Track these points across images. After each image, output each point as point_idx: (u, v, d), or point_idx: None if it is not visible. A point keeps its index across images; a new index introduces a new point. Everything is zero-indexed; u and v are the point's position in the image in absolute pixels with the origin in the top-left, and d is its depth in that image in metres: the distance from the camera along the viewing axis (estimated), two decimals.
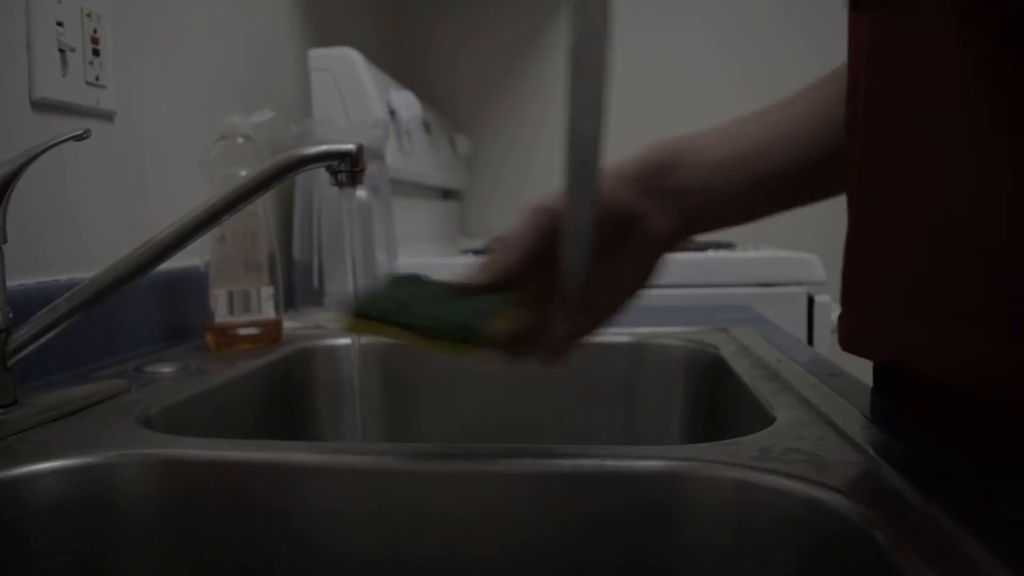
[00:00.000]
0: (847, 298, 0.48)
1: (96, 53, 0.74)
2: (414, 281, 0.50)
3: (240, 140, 0.81)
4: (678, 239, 0.52)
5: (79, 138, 0.54)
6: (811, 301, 1.21)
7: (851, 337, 0.47)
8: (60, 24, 0.69)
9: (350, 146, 0.58)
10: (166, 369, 0.70)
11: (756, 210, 0.54)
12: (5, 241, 0.53)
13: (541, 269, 0.49)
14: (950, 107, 0.39)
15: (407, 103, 1.33)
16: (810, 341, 1.19)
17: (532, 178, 2.00)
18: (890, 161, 0.43)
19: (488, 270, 0.48)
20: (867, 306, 0.46)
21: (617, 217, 0.50)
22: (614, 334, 0.85)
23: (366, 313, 0.45)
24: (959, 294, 0.39)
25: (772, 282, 1.23)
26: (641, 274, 0.52)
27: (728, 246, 1.37)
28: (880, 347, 0.46)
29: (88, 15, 0.72)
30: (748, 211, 0.54)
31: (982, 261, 0.38)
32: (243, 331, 0.81)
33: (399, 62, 2.00)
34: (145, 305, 0.81)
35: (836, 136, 0.51)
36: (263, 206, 0.82)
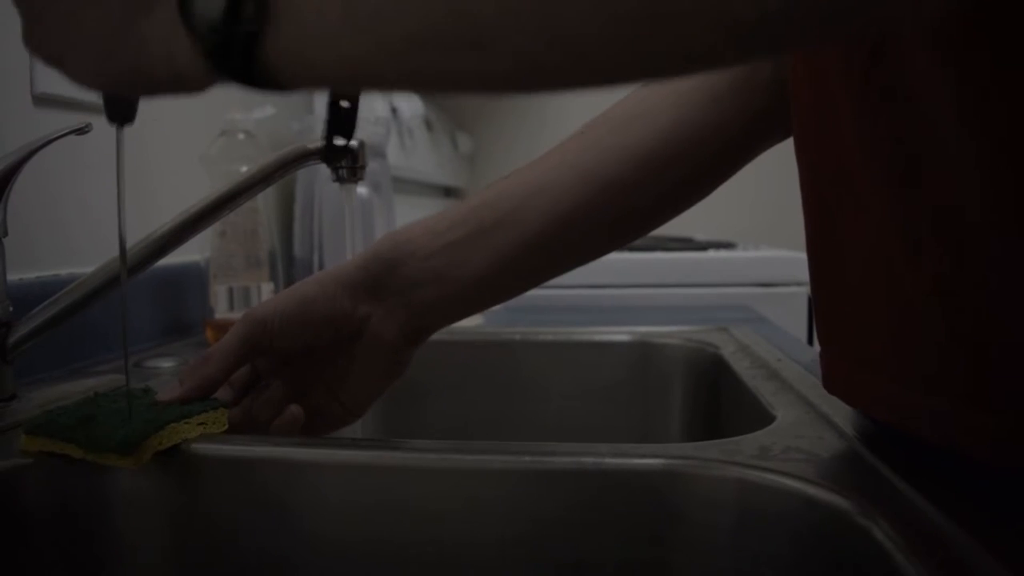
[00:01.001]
0: (823, 339, 0.46)
1: None
2: (118, 397, 0.50)
3: (241, 136, 0.81)
4: (410, 339, 0.52)
5: (80, 132, 0.54)
6: (811, 301, 1.21)
7: (831, 382, 0.46)
8: None
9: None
10: (166, 364, 0.70)
11: (507, 288, 0.53)
12: (5, 235, 0.53)
13: (265, 370, 0.52)
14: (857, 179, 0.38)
15: (409, 101, 1.33)
16: (810, 341, 1.19)
17: None
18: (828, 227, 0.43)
19: (187, 383, 0.49)
20: (842, 354, 0.45)
21: (331, 323, 0.50)
22: (614, 333, 0.85)
23: (39, 430, 0.45)
24: (918, 360, 0.38)
25: (772, 282, 1.23)
26: (383, 370, 0.53)
27: (729, 246, 1.38)
28: (857, 400, 0.45)
29: None
30: (497, 291, 0.53)
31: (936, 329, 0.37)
32: None
33: None
34: (145, 300, 0.81)
35: (592, 186, 0.50)
36: (264, 202, 0.82)
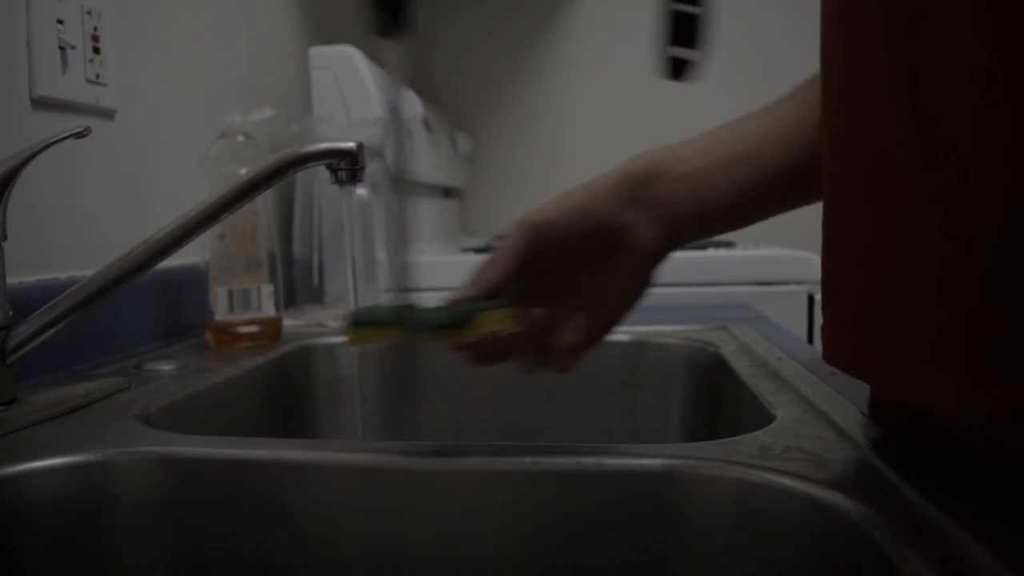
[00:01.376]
0: (828, 311, 0.47)
1: (96, 51, 0.74)
2: (415, 309, 0.51)
3: (240, 138, 0.81)
4: (666, 249, 0.53)
5: (79, 136, 0.54)
6: (811, 299, 1.21)
7: (833, 354, 0.47)
8: (60, 22, 0.69)
9: (350, 144, 0.58)
10: (166, 367, 0.70)
11: (744, 216, 0.54)
12: (5, 238, 0.53)
13: (532, 282, 0.51)
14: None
15: (407, 102, 1.32)
16: (810, 339, 1.19)
17: (533, 176, 2.00)
18: (852, 193, 0.43)
19: (477, 284, 0.49)
20: (847, 325, 0.45)
21: (600, 230, 0.51)
22: (615, 332, 0.85)
23: (365, 320, 0.47)
24: (930, 334, 0.38)
25: (772, 281, 1.23)
26: (636, 283, 0.53)
27: (728, 245, 1.37)
28: (859, 370, 0.45)
29: (88, 13, 0.72)
30: (736, 218, 0.54)
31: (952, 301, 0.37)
32: (243, 329, 0.81)
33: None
34: (145, 303, 0.81)
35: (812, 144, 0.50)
36: (263, 204, 0.82)
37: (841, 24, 0.41)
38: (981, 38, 0.32)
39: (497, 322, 0.47)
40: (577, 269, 0.52)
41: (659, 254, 0.53)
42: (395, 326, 0.45)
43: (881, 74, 0.38)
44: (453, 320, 0.45)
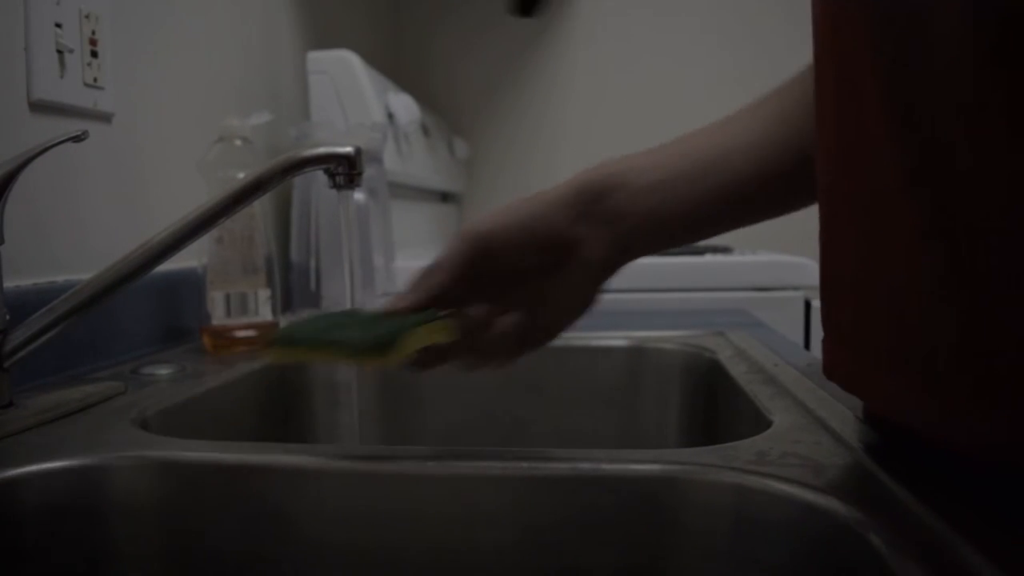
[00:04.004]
0: (826, 325, 0.47)
1: (94, 55, 0.74)
2: (346, 313, 0.51)
3: (238, 142, 0.81)
4: (617, 263, 0.53)
5: (77, 139, 0.54)
6: (808, 305, 1.21)
7: (831, 369, 0.47)
8: (59, 25, 0.69)
9: (348, 149, 0.58)
10: (163, 371, 0.70)
11: (705, 228, 0.54)
12: (2, 242, 0.53)
13: (472, 289, 0.51)
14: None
15: (405, 106, 1.33)
16: (807, 345, 1.19)
17: (530, 181, 2.00)
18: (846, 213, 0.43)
19: (414, 293, 0.49)
20: (845, 339, 0.45)
21: (548, 242, 0.51)
22: (611, 338, 0.85)
23: (289, 340, 0.46)
24: (918, 354, 0.38)
25: (769, 286, 1.23)
26: (583, 294, 0.53)
27: (725, 250, 1.38)
28: (855, 387, 0.45)
29: (87, 17, 0.72)
30: (696, 230, 0.53)
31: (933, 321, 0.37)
32: (240, 333, 0.81)
33: (397, 65, 2.00)
34: (142, 307, 0.80)
35: (788, 155, 0.50)
36: (261, 208, 0.82)
37: (834, 36, 0.41)
38: (971, 49, 0.32)
39: (433, 335, 0.47)
40: (522, 278, 0.52)
41: (609, 268, 0.52)
42: (321, 348, 0.45)
43: (876, 82, 0.38)
44: (380, 342, 0.44)
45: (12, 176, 0.53)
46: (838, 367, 0.45)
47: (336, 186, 0.59)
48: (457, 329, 0.49)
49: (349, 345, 0.44)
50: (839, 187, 0.43)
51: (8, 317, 0.54)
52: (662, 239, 0.53)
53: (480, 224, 0.51)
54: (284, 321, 0.92)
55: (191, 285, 0.84)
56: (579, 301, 0.53)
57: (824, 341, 0.47)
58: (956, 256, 0.35)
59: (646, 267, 1.19)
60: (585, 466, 0.43)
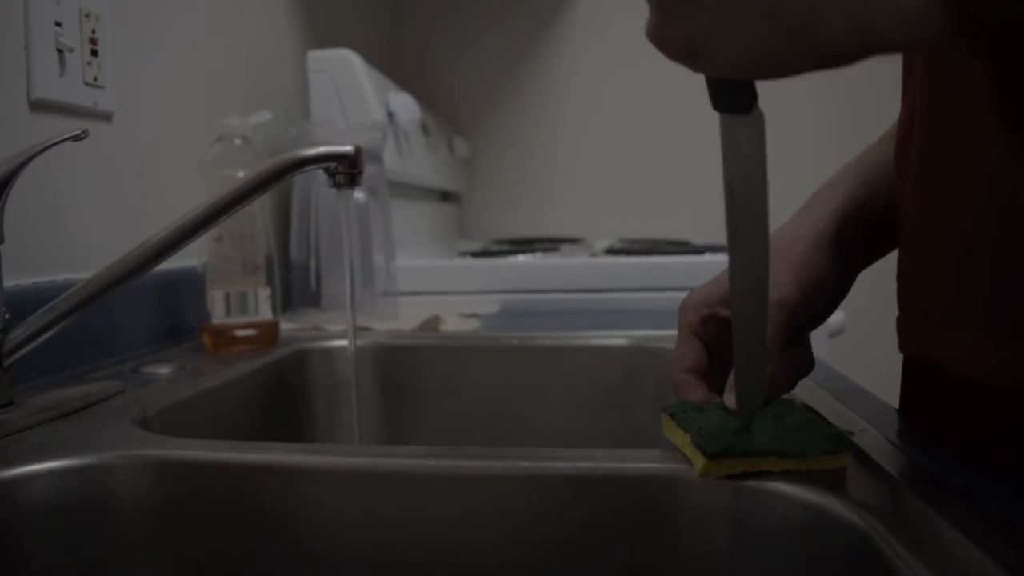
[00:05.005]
0: (901, 300, 0.48)
1: (94, 53, 0.74)
2: (691, 409, 0.48)
3: (238, 141, 0.81)
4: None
5: (77, 138, 0.54)
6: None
7: (908, 341, 0.47)
8: (58, 24, 0.69)
9: (348, 148, 0.58)
10: (162, 370, 0.70)
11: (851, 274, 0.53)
12: (2, 241, 0.53)
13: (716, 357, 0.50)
14: (984, 142, 0.39)
15: (405, 105, 1.33)
16: None
17: (530, 180, 2.00)
18: (935, 185, 0.43)
19: (756, 388, 0.44)
20: (918, 311, 0.46)
21: (828, 291, 0.50)
22: (611, 337, 0.85)
23: (723, 453, 0.41)
24: (984, 311, 0.39)
25: None
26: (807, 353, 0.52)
27: (725, 249, 1.38)
28: (930, 351, 0.46)
29: (87, 15, 0.72)
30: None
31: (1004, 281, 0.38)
32: (240, 332, 0.81)
33: (398, 64, 2.00)
34: (142, 306, 0.80)
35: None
36: (261, 207, 0.82)
37: None
38: None
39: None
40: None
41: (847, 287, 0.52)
42: (756, 455, 0.41)
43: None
44: (839, 443, 0.41)
45: (12, 175, 0.53)
46: (916, 337, 0.46)
47: (336, 185, 0.59)
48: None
49: (802, 447, 0.41)
50: (935, 159, 0.43)
51: (8, 316, 0.54)
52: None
53: (783, 292, 0.47)
54: (285, 321, 0.91)
55: (191, 284, 0.84)
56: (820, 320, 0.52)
57: (900, 319, 0.47)
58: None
59: (645, 267, 1.19)
60: (585, 465, 0.43)
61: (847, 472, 0.41)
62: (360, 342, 0.85)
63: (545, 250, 1.38)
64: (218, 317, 0.80)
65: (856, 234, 0.50)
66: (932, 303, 0.44)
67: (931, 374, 0.47)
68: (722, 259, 1.28)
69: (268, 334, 0.83)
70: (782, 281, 0.47)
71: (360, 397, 0.84)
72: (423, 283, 1.17)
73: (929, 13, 0.27)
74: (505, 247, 1.53)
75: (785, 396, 0.49)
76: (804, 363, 0.50)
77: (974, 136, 0.40)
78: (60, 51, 0.69)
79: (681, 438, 0.44)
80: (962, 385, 0.42)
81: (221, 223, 0.58)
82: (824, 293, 0.49)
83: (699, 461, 0.41)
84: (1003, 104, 0.37)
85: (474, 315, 1.07)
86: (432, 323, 0.97)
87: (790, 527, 0.39)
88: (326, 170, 0.59)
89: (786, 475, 0.40)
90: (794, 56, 0.30)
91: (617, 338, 0.84)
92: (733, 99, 0.36)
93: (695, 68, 0.33)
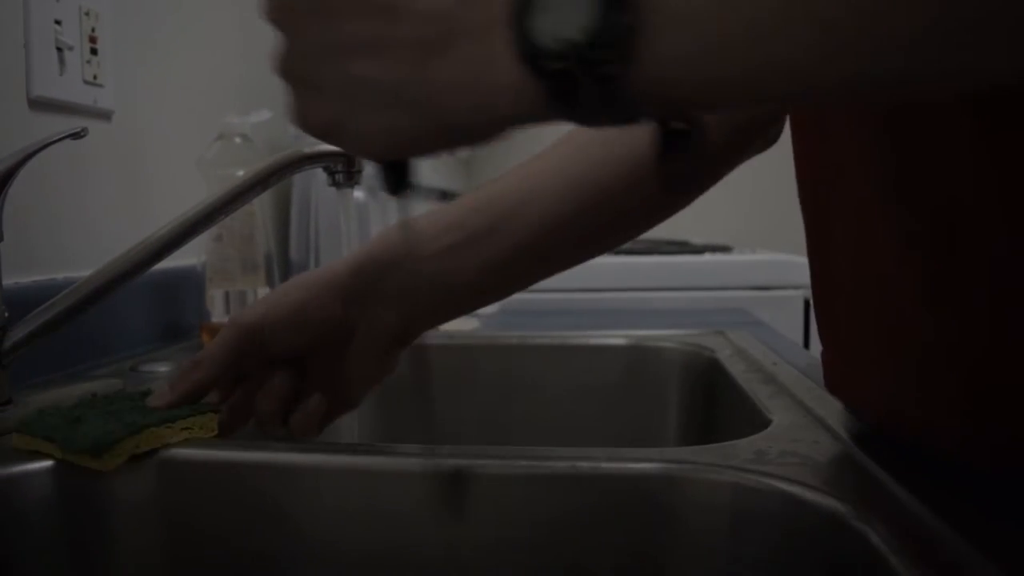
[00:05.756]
0: (823, 338, 0.47)
1: (94, 52, 0.74)
2: (120, 398, 0.51)
3: (238, 140, 0.81)
4: (407, 337, 0.52)
5: (76, 136, 0.54)
6: (807, 304, 1.21)
7: (830, 381, 0.47)
8: (58, 23, 0.69)
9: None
10: (162, 369, 0.70)
11: (492, 293, 0.53)
12: (2, 239, 0.53)
13: (245, 376, 0.51)
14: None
15: None
16: (806, 344, 1.19)
17: None
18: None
19: (178, 388, 0.49)
20: (838, 350, 0.46)
21: (321, 329, 0.50)
22: (610, 337, 0.85)
23: (28, 428, 0.45)
24: (909, 365, 0.39)
25: (768, 285, 1.23)
26: (373, 369, 0.53)
27: (725, 249, 1.38)
28: (852, 400, 0.46)
29: (87, 14, 0.72)
30: (483, 297, 0.53)
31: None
32: None
33: None
34: (141, 304, 0.80)
35: (582, 194, 0.50)
36: (260, 206, 0.82)
37: None
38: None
39: (190, 430, 0.46)
40: (305, 359, 0.52)
41: (398, 342, 0.52)
42: (54, 440, 0.44)
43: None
44: (98, 444, 0.43)
45: (11, 173, 0.53)
46: (835, 380, 0.46)
47: (335, 184, 0.59)
48: (217, 424, 0.48)
49: (73, 442, 0.43)
50: (821, 205, 0.43)
51: (7, 314, 0.54)
52: (449, 310, 0.53)
53: (246, 315, 0.50)
54: None
55: (190, 282, 0.84)
56: (373, 371, 0.53)
57: (823, 354, 0.47)
58: (949, 258, 0.35)
59: (644, 267, 1.19)
60: (584, 465, 0.43)
61: (843, 470, 0.41)
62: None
63: None
64: (217, 316, 0.80)
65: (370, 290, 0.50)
66: (843, 345, 0.44)
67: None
68: (721, 259, 1.28)
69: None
70: (255, 308, 0.51)
71: None
72: None
73: (524, 84, 0.26)
74: None
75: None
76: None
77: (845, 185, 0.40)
78: (60, 49, 0.69)
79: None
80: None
81: (221, 222, 0.58)
82: (298, 325, 0.50)
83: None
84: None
85: (473, 314, 1.07)
86: None
87: (789, 526, 0.39)
88: (325, 169, 0.59)
89: (786, 475, 0.40)
90: (430, 135, 0.29)
91: (616, 338, 0.84)
92: (393, 180, 0.34)
93: (344, 149, 0.32)
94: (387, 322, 0.51)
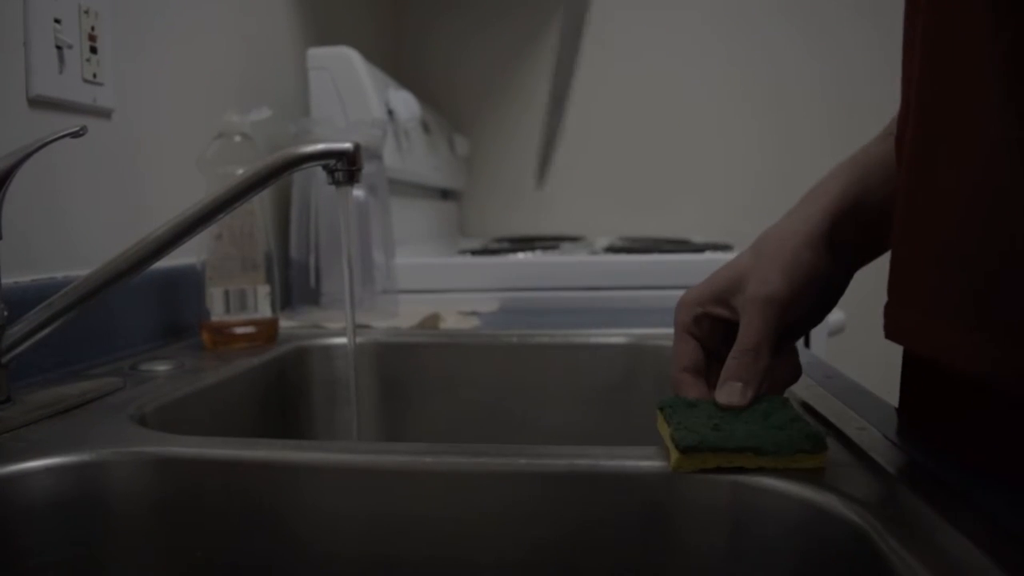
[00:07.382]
0: (893, 289, 0.47)
1: (94, 50, 0.73)
2: (683, 405, 0.48)
3: (238, 138, 0.81)
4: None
5: (76, 135, 0.54)
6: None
7: (895, 328, 0.47)
8: (58, 21, 0.69)
9: (347, 145, 0.58)
10: (161, 367, 0.70)
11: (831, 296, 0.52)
12: (1, 237, 0.53)
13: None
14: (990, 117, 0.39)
15: (405, 103, 1.32)
16: (807, 343, 1.19)
17: (530, 178, 2.00)
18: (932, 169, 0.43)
19: (752, 385, 0.47)
20: (911, 300, 0.45)
21: (825, 285, 0.50)
22: (610, 335, 0.85)
23: (697, 447, 0.41)
24: (984, 303, 0.39)
25: None
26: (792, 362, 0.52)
27: (725, 248, 1.38)
28: (919, 341, 0.45)
29: (86, 12, 0.72)
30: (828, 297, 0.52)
31: (1005, 274, 0.38)
32: (239, 330, 0.81)
33: (398, 62, 2.00)
34: (141, 303, 0.80)
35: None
36: (260, 204, 0.82)
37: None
38: None
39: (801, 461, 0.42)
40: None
41: (845, 283, 0.52)
42: (731, 451, 0.41)
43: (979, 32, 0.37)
44: (815, 433, 0.41)
45: (10, 172, 0.53)
46: (902, 327, 0.45)
47: (335, 182, 0.58)
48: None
49: (779, 445, 0.41)
50: (931, 146, 0.42)
51: (7, 313, 0.54)
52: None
53: (775, 290, 0.47)
54: (284, 318, 0.91)
55: (190, 281, 0.84)
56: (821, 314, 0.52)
57: (887, 306, 0.47)
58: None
59: (645, 265, 1.19)
60: (583, 463, 0.43)
61: (846, 470, 0.41)
62: (359, 340, 0.85)
63: (545, 248, 1.38)
64: (217, 314, 0.80)
65: (851, 231, 0.50)
66: (922, 292, 0.44)
67: (928, 371, 0.47)
68: (722, 257, 1.28)
69: (267, 332, 0.83)
70: (771, 278, 0.48)
71: (359, 395, 0.84)
72: (423, 281, 1.17)
73: None
74: (505, 245, 1.53)
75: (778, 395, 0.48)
76: (788, 373, 0.51)
77: (974, 117, 0.39)
78: (59, 48, 0.69)
79: (665, 432, 0.44)
80: (957, 382, 0.42)
81: (220, 220, 0.57)
82: (814, 290, 0.49)
83: (673, 455, 0.42)
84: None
85: (474, 313, 1.07)
86: (432, 321, 0.97)
87: (788, 525, 0.39)
88: (325, 167, 0.58)
89: (786, 474, 0.40)
90: None
91: (616, 336, 0.84)
92: None
93: None
94: (850, 263, 0.51)
